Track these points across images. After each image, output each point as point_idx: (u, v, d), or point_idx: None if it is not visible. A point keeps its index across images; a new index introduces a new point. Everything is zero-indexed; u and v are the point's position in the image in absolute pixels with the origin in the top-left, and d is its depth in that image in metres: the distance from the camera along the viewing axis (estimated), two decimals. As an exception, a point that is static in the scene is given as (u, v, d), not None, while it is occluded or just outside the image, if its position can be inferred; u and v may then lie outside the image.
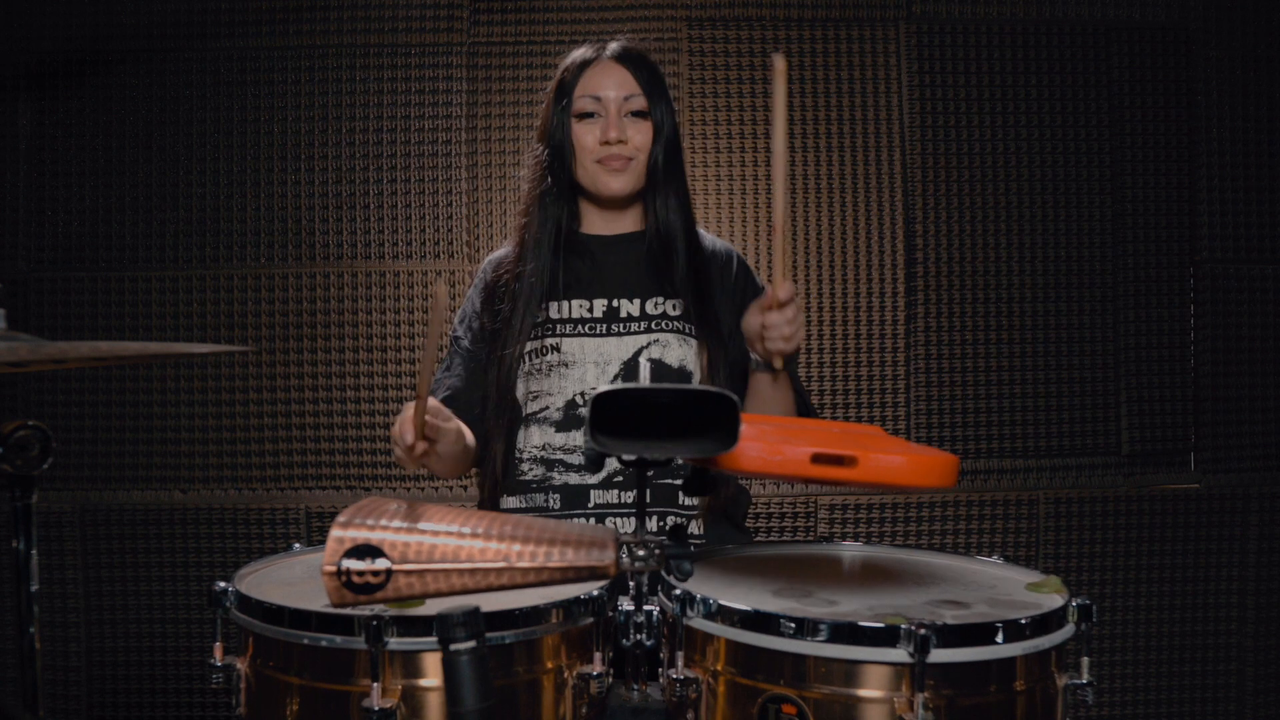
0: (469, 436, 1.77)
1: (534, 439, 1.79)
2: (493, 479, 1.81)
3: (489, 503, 1.83)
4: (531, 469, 1.79)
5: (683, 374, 1.77)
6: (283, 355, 2.71)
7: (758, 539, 2.50)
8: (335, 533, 1.02)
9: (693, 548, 1.70)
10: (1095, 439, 2.75)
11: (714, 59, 2.73)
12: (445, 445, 1.63)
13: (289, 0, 2.72)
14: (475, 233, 2.72)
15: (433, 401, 1.59)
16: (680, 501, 1.76)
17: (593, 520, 1.74)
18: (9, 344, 1.17)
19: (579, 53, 1.85)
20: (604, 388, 1.06)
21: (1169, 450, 2.77)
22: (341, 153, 2.73)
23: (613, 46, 1.84)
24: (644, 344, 1.78)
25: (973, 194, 2.74)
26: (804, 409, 1.81)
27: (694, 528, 1.78)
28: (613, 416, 1.06)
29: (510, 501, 1.81)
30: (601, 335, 1.79)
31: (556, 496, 1.76)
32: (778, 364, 1.62)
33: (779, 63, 1.45)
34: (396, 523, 1.03)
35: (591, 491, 1.75)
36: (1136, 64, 2.76)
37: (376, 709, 1.17)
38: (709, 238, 1.93)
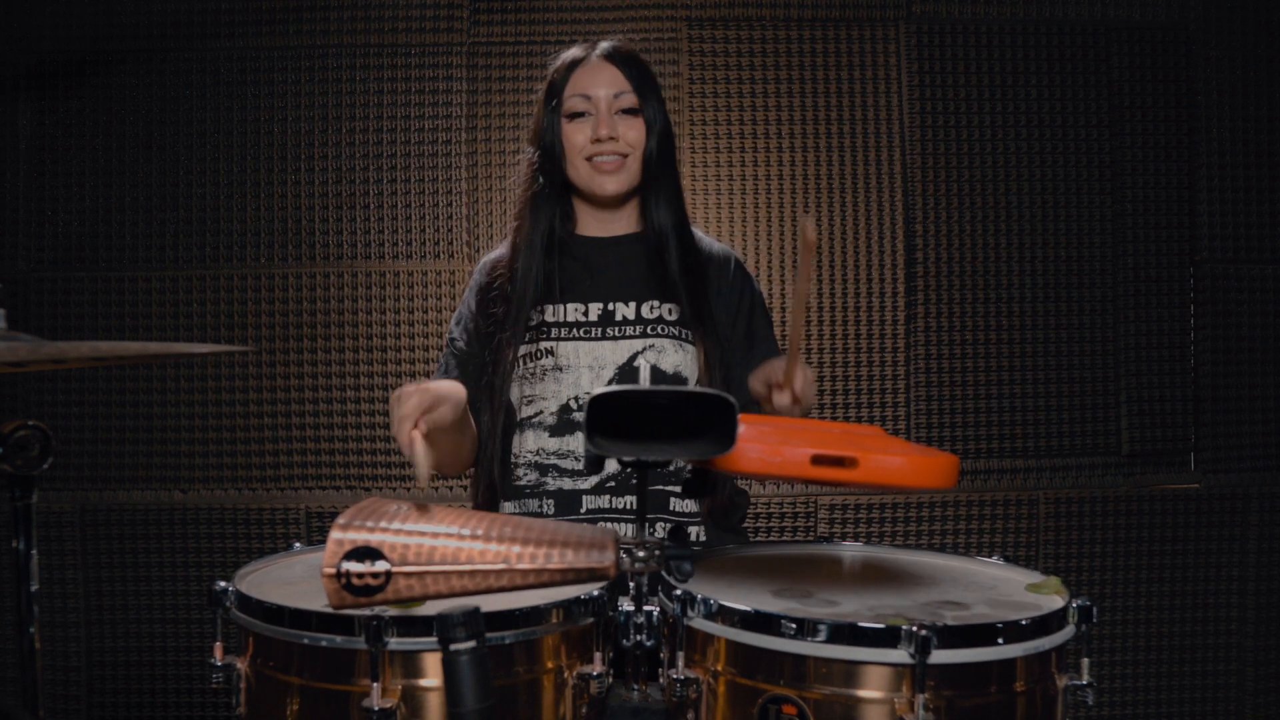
0: (472, 425, 1.77)
1: (529, 443, 1.78)
2: (488, 484, 1.80)
3: (484, 508, 1.81)
4: (526, 474, 1.78)
5: (678, 379, 1.76)
6: (283, 355, 2.71)
7: (756, 540, 2.50)
8: (335, 534, 1.02)
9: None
10: (1095, 439, 2.75)
11: (714, 59, 2.73)
12: (444, 419, 1.54)
13: (289, 0, 2.72)
14: (475, 233, 2.72)
15: (433, 385, 1.53)
16: (672, 508, 1.76)
17: None
18: (9, 344, 1.17)
19: (568, 53, 1.84)
20: (602, 389, 1.06)
21: (1169, 450, 2.77)
22: (341, 153, 2.73)
23: (602, 46, 1.83)
24: (639, 349, 1.77)
25: (973, 194, 2.74)
26: None
27: (693, 535, 1.77)
28: (610, 419, 1.06)
29: (506, 507, 1.80)
30: (596, 339, 1.78)
31: (550, 502, 1.76)
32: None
33: (809, 231, 1.35)
34: (396, 524, 1.03)
35: (584, 497, 1.74)
36: (1136, 64, 2.76)
37: (376, 709, 1.17)
38: (707, 240, 1.92)
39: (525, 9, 2.73)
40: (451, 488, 2.72)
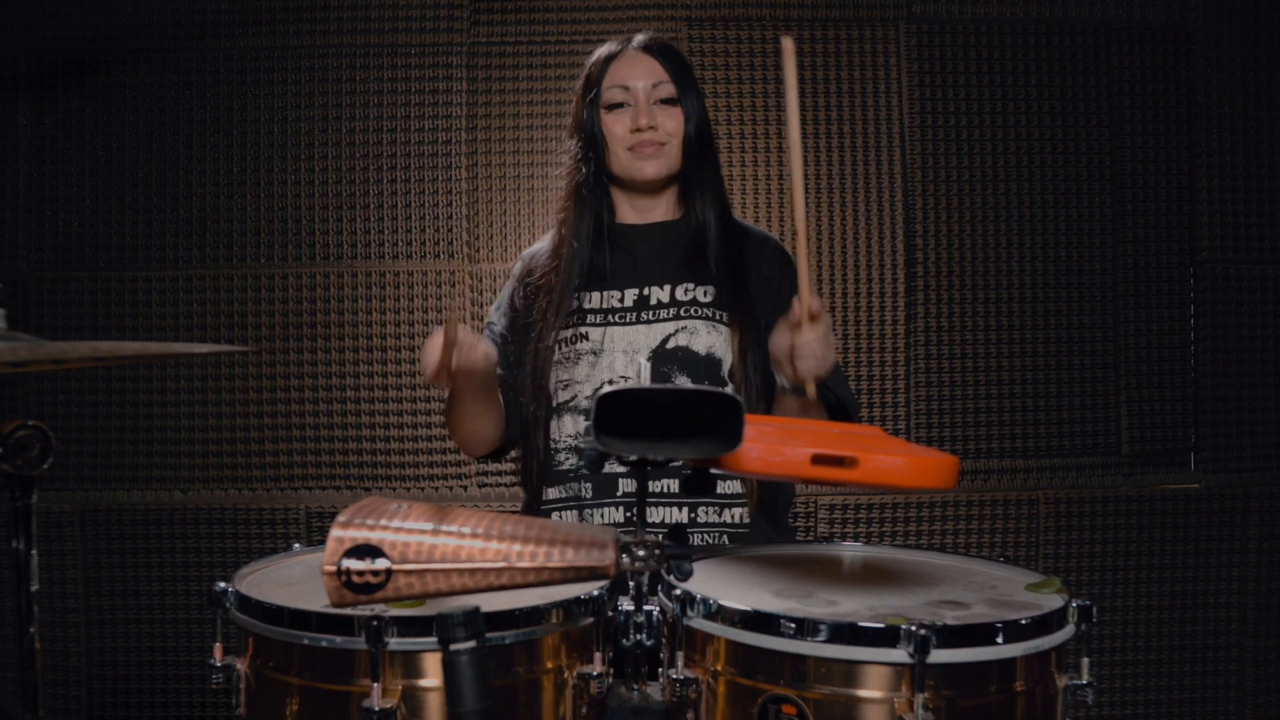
0: (499, 399, 1.79)
1: (567, 428, 1.80)
2: (534, 470, 1.83)
3: (533, 495, 1.84)
4: (567, 458, 1.80)
5: (710, 361, 1.77)
6: (283, 355, 2.71)
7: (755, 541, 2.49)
8: (335, 532, 1.02)
9: (698, 543, 1.72)
10: (1095, 439, 2.75)
11: (714, 59, 2.73)
12: (474, 363, 1.57)
13: (289, 0, 2.72)
14: (475, 233, 2.72)
15: (464, 329, 1.55)
16: (719, 489, 1.77)
17: (622, 509, 1.75)
18: (9, 344, 1.17)
19: (605, 47, 1.88)
20: (608, 388, 1.06)
21: (1169, 450, 2.77)
22: (341, 153, 2.73)
23: (639, 38, 1.87)
24: (671, 331, 1.78)
25: (973, 194, 2.74)
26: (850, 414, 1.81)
27: (736, 517, 1.78)
28: (617, 416, 1.06)
29: (551, 492, 1.82)
30: (630, 324, 1.80)
31: (589, 486, 1.77)
32: (810, 389, 1.58)
33: (787, 44, 1.43)
34: (396, 522, 1.03)
35: (620, 481, 1.75)
36: (1136, 64, 2.76)
37: (377, 709, 1.17)
38: (746, 224, 1.95)
39: (525, 9, 2.73)
40: (451, 488, 2.72)
